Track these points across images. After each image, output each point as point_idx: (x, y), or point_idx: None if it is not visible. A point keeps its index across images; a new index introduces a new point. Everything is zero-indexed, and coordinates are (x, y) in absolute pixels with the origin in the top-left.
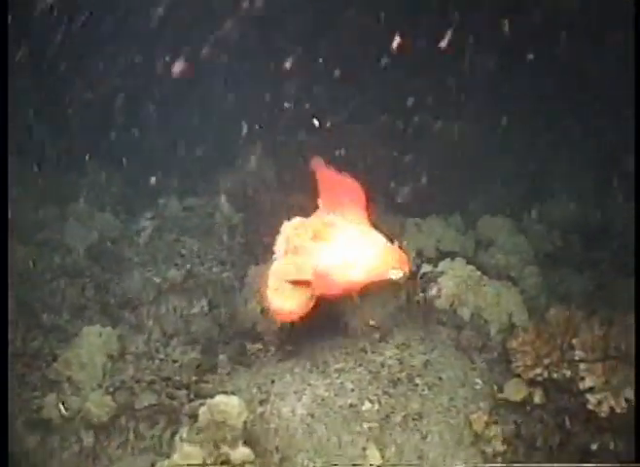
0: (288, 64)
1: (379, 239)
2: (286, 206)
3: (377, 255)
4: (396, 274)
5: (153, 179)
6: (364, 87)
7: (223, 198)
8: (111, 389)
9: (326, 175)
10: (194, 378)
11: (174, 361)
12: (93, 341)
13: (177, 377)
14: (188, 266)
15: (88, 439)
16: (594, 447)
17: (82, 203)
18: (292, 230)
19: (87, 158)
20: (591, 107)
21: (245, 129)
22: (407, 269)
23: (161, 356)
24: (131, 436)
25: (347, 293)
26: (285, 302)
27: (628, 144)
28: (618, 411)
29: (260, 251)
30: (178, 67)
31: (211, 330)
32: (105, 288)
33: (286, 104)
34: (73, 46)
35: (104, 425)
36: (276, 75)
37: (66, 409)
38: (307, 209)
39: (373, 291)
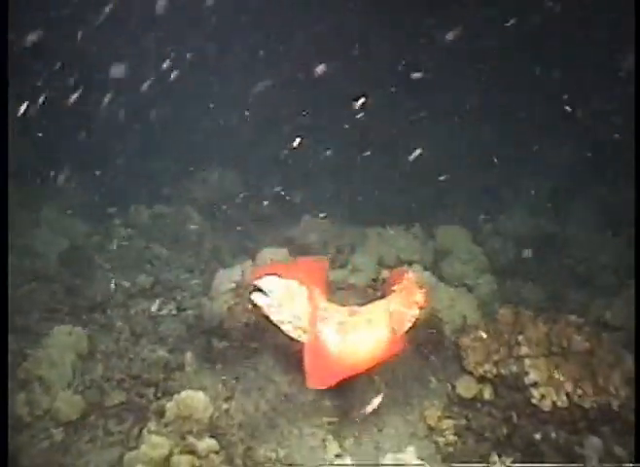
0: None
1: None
2: (252, 216)
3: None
4: None
5: (123, 187)
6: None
7: (191, 208)
8: (81, 388)
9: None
10: (162, 376)
11: (143, 359)
12: (64, 341)
13: (146, 375)
14: (156, 272)
15: (58, 435)
16: (538, 437)
17: (53, 210)
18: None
19: (58, 166)
20: (549, 123)
21: (216, 141)
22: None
23: (131, 355)
24: (100, 432)
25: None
26: None
27: (585, 159)
28: (559, 404)
29: (226, 257)
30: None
31: (179, 330)
32: (75, 291)
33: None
34: (48, 53)
35: (73, 423)
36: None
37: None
38: (274, 220)
39: None
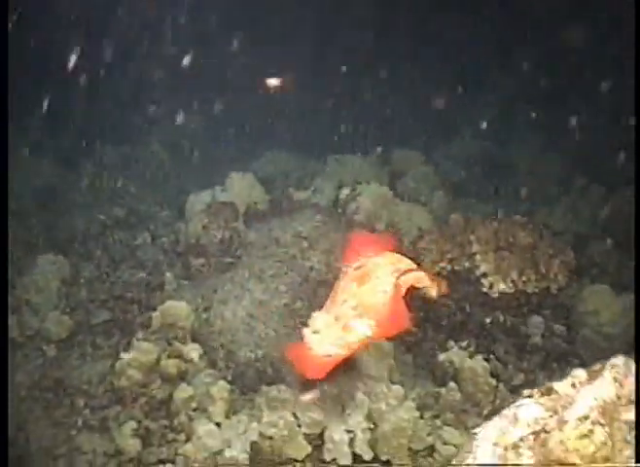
0: None
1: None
2: (217, 154)
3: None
4: None
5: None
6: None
7: (157, 146)
8: (67, 310)
9: None
10: (143, 295)
11: (124, 282)
12: (48, 268)
13: (128, 295)
14: (128, 206)
15: (50, 352)
16: (488, 321)
17: (24, 154)
18: None
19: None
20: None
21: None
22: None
23: (112, 279)
24: (89, 348)
25: None
26: None
27: (534, 85)
28: (506, 290)
29: (193, 188)
30: None
31: (156, 255)
32: (53, 226)
33: None
34: None
35: (64, 341)
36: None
37: None
38: (237, 156)
39: None
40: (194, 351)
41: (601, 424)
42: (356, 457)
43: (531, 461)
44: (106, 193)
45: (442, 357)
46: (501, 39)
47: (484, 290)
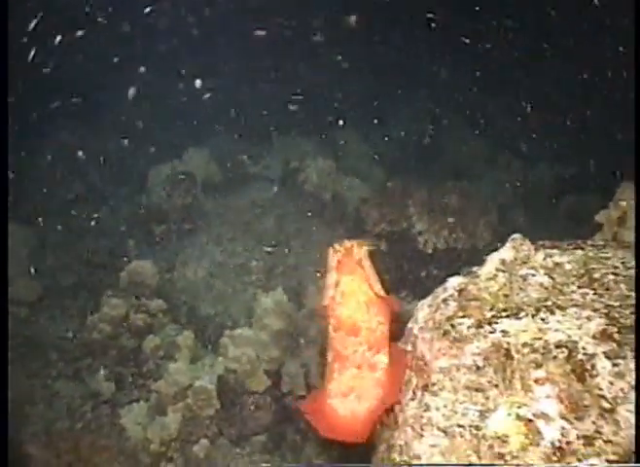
0: None
1: None
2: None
3: None
4: None
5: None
6: None
7: (111, 129)
8: (36, 276)
9: None
10: (108, 260)
11: (88, 250)
12: (15, 238)
13: (95, 260)
14: (88, 184)
15: (21, 313)
16: (423, 274)
17: None
18: None
19: None
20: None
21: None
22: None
23: (77, 247)
24: (58, 311)
25: None
26: None
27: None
28: (439, 246)
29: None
30: None
31: (119, 224)
32: (13, 202)
33: None
34: None
35: (34, 303)
36: None
37: None
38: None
39: None
40: (159, 307)
41: (502, 271)
42: (310, 389)
43: (455, 308)
44: (61, 173)
45: None
46: (438, 29)
47: (420, 247)
